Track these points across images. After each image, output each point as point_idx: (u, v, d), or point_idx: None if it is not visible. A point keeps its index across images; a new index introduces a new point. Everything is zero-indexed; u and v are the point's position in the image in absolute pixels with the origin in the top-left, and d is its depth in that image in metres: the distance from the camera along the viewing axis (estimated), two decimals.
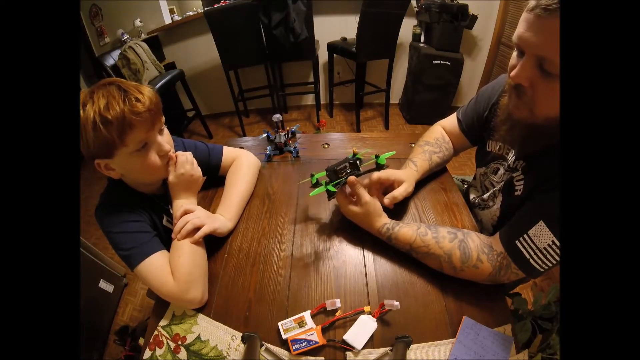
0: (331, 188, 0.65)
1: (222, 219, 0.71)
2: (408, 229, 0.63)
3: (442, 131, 0.88)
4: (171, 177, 0.66)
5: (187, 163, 0.66)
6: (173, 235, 0.63)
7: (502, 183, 0.70)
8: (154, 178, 0.68)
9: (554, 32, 0.42)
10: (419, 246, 0.61)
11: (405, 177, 0.74)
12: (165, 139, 0.64)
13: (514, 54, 0.52)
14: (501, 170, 0.72)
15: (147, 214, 0.68)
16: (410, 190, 0.73)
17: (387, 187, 0.75)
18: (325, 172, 0.67)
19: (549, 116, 0.51)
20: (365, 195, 0.66)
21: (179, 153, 0.66)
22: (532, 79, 0.49)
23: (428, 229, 0.62)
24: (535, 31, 0.45)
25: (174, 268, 0.59)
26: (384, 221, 0.66)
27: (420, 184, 0.82)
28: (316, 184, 0.68)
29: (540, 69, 0.47)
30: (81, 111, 0.54)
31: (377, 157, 0.69)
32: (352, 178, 0.65)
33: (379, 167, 0.70)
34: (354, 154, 0.68)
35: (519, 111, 0.55)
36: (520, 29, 0.47)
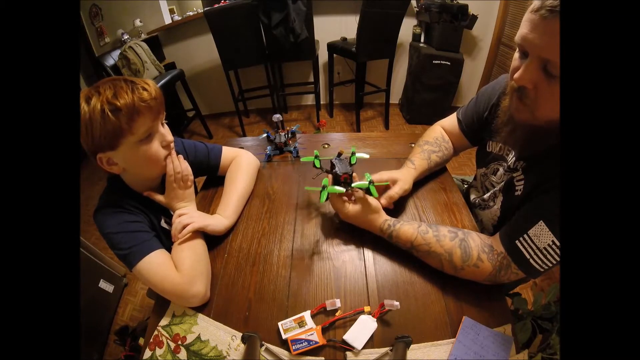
0: (332, 190, 0.64)
1: (216, 217, 0.72)
2: (409, 227, 0.63)
3: (442, 131, 0.87)
4: (164, 200, 0.69)
5: (173, 182, 0.68)
6: (173, 239, 0.65)
7: (502, 183, 0.70)
8: (155, 172, 0.68)
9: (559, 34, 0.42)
10: (420, 244, 0.61)
11: (400, 176, 0.74)
12: (166, 131, 0.66)
13: (516, 54, 0.51)
14: (501, 171, 0.72)
15: (146, 215, 0.69)
16: (406, 188, 0.73)
17: (383, 190, 0.75)
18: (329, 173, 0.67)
19: (551, 118, 0.51)
20: (360, 192, 0.66)
21: (168, 171, 0.67)
22: (536, 82, 0.48)
23: (429, 228, 0.62)
24: (540, 33, 0.44)
25: (178, 262, 0.61)
26: (384, 217, 0.66)
27: (420, 184, 0.82)
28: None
29: (544, 72, 0.46)
30: (85, 106, 0.55)
31: (371, 182, 0.65)
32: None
33: (368, 192, 0.66)
34: (350, 160, 0.68)
35: (520, 114, 0.54)
36: (524, 29, 0.46)
